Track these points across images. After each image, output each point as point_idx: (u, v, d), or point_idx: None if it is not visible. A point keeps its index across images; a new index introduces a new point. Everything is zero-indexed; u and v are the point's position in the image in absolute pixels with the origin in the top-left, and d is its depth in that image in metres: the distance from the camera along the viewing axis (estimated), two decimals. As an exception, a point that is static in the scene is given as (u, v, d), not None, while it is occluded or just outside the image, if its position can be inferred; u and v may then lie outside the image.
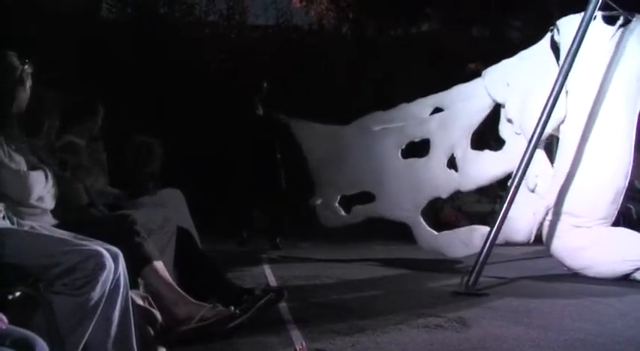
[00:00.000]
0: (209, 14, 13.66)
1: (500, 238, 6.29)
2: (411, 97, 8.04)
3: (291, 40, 13.84)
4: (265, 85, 8.89)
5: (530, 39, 7.60)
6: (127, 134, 5.53)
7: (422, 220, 7.75)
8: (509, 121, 7.10)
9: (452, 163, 7.60)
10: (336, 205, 8.37)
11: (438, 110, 7.84)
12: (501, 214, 5.89)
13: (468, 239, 7.17)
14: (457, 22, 15.60)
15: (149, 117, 9.97)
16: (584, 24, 6.05)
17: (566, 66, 6.06)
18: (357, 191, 8.34)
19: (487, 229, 6.69)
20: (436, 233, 7.65)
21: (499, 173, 7.26)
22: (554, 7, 12.07)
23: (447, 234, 7.61)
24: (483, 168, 7.33)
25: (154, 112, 10.51)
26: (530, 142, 6.05)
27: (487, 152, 7.51)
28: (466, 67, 12.87)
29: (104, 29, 12.12)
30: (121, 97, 9.28)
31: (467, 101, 7.53)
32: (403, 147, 7.95)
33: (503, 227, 5.99)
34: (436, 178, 7.62)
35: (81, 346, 2.45)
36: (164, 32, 12.22)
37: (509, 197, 5.93)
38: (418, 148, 7.99)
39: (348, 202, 8.45)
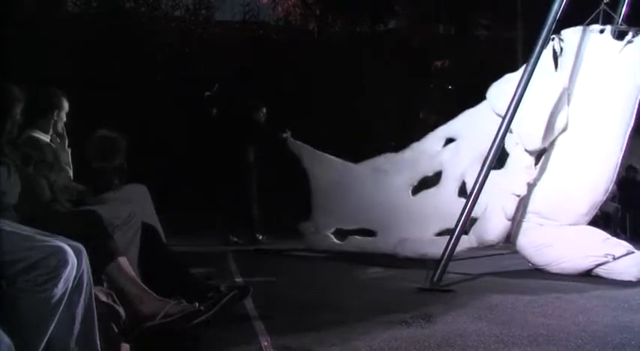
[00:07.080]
0: (175, 9, 13.59)
1: (474, 240, 6.35)
2: (378, 96, 7.99)
3: (257, 36, 13.83)
4: (217, 85, 8.89)
5: (495, 36, 7.61)
6: (91, 129, 5.47)
7: None
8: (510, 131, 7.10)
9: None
10: (329, 234, 8.35)
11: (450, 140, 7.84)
12: (465, 213, 5.95)
13: None
14: (424, 19, 15.67)
15: (113, 112, 9.89)
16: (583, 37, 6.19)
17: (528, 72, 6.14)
18: (356, 227, 8.29)
19: None
20: None
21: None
22: (520, 5, 12.21)
23: None
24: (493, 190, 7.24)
25: (119, 107, 10.43)
26: (492, 143, 6.14)
27: (493, 173, 7.41)
28: (432, 64, 12.93)
29: (69, 23, 11.99)
30: (86, 92, 9.19)
31: (476, 126, 7.48)
32: (415, 184, 7.95)
33: (477, 229, 6.02)
34: (447, 209, 7.44)
35: (43, 343, 2.42)
36: (129, 27, 12.13)
37: (472, 198, 6.01)
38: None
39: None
